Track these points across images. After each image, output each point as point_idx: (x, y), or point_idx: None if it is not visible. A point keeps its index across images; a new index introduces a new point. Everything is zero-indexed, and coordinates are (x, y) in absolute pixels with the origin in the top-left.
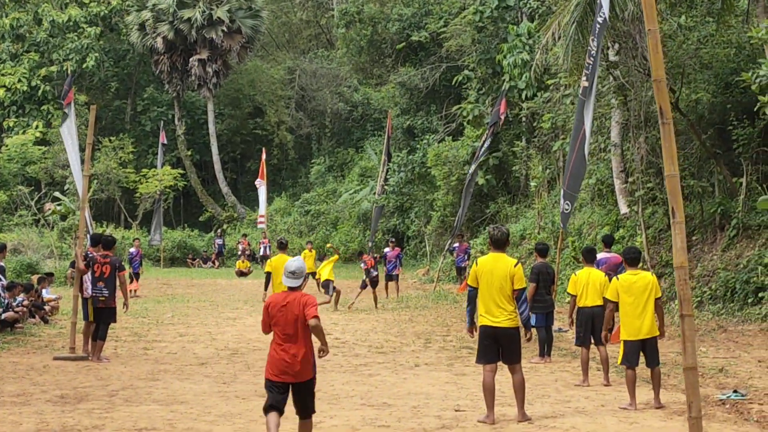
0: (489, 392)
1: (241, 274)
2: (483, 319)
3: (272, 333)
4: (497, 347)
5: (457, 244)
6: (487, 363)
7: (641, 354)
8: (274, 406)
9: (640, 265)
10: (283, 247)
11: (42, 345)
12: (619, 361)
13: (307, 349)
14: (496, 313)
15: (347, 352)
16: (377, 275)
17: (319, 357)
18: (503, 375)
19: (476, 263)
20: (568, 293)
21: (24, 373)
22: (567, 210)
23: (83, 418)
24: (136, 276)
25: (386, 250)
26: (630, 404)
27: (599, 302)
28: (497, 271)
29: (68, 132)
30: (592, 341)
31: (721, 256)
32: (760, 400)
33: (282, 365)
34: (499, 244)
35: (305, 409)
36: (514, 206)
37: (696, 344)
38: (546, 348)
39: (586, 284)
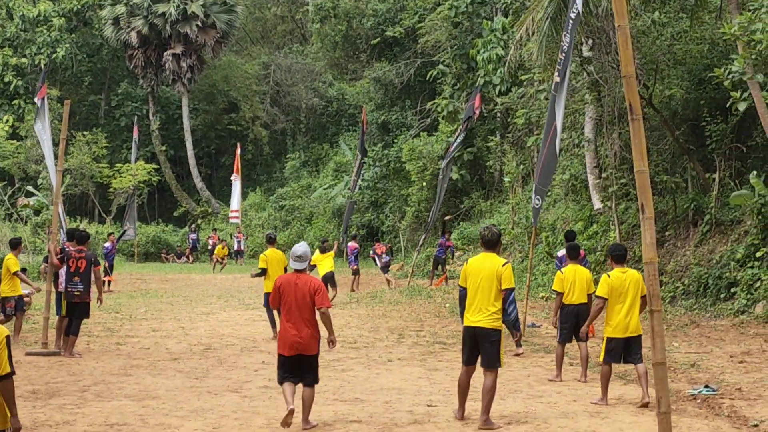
0: (462, 390)
1: (219, 262)
2: (466, 320)
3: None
4: (476, 348)
5: (443, 238)
6: (466, 364)
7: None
8: (288, 377)
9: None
10: (272, 241)
11: (14, 340)
12: (601, 358)
13: (312, 328)
14: (478, 313)
15: (321, 348)
16: (389, 260)
17: (330, 348)
18: (478, 372)
19: (466, 263)
20: (553, 290)
21: None
22: (537, 205)
23: (54, 414)
24: (110, 269)
25: (350, 243)
26: (601, 399)
27: (584, 300)
28: (485, 270)
29: (42, 126)
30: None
31: (694, 252)
32: (731, 395)
33: (292, 341)
34: (490, 244)
35: (310, 379)
36: (488, 201)
37: (668, 339)
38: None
39: (572, 282)
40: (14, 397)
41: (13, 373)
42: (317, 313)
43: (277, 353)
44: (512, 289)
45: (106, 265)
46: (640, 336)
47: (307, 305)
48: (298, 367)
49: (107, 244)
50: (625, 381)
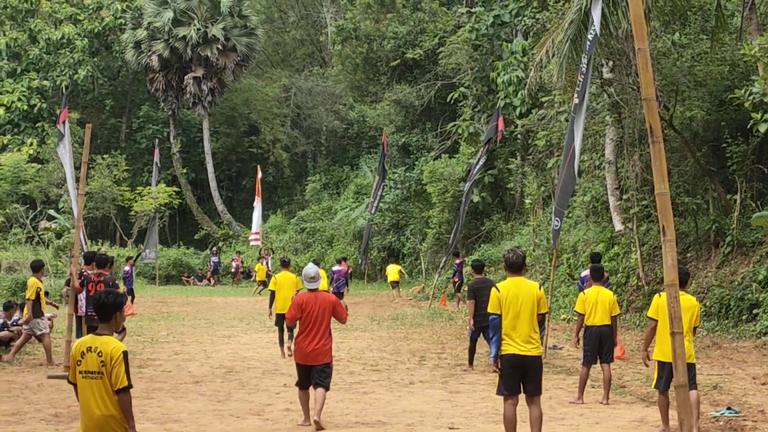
0: (512, 425)
1: (263, 284)
2: (510, 348)
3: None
4: (521, 378)
5: (458, 261)
6: (511, 395)
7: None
8: (304, 383)
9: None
10: (285, 265)
11: (36, 363)
12: (653, 385)
13: (326, 340)
14: (525, 342)
15: (342, 370)
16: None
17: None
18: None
19: (497, 290)
20: (576, 312)
21: (18, 392)
22: (557, 226)
23: None
24: (130, 293)
25: (336, 267)
26: (663, 430)
27: (607, 321)
28: (523, 296)
29: (63, 150)
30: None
31: (716, 273)
32: (753, 417)
33: (308, 351)
34: (516, 267)
35: (323, 383)
36: (509, 223)
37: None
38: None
39: (594, 303)
40: (131, 410)
41: (130, 386)
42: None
43: (296, 362)
44: (546, 314)
45: (125, 289)
46: (693, 364)
47: (325, 319)
48: (313, 374)
49: (126, 268)
50: (648, 403)
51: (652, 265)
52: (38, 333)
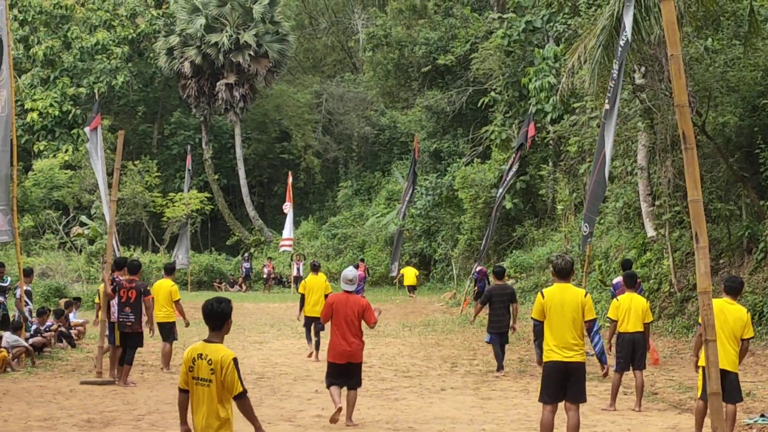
0: (549, 431)
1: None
2: (553, 354)
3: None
4: (563, 384)
5: (480, 268)
6: (552, 402)
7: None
8: (334, 383)
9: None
10: (316, 269)
11: (69, 369)
12: (698, 394)
13: (359, 339)
14: (569, 348)
15: (373, 377)
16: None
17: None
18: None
19: (542, 295)
20: (608, 318)
21: (51, 398)
22: (585, 232)
23: None
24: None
25: None
26: None
27: (640, 328)
28: (568, 303)
29: (95, 156)
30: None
31: (749, 280)
32: None
33: (342, 351)
34: (564, 273)
35: (354, 382)
36: (540, 230)
37: None
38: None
39: (627, 309)
40: (253, 413)
41: (245, 391)
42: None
43: (328, 361)
44: (595, 320)
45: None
46: (736, 374)
47: (356, 321)
48: (346, 373)
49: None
50: (680, 410)
51: (685, 271)
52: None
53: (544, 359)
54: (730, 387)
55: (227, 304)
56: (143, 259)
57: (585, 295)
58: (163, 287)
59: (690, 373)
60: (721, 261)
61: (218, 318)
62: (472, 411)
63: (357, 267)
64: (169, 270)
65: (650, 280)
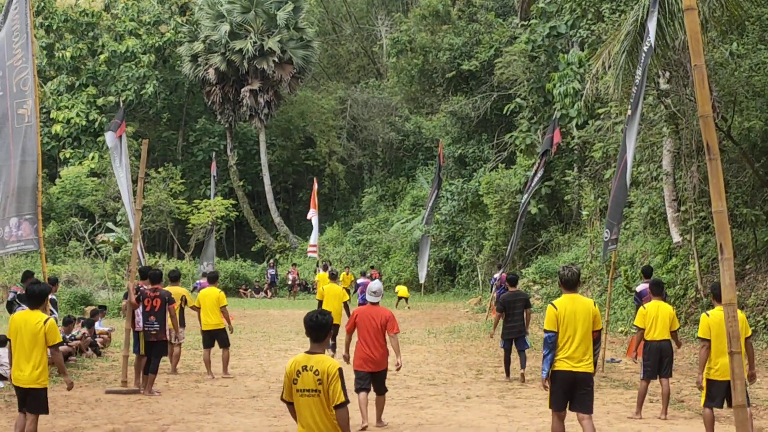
0: None
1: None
2: (562, 364)
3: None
4: (570, 394)
5: (497, 275)
6: (561, 410)
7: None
8: (363, 387)
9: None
10: (334, 278)
11: (94, 378)
12: (702, 402)
13: (384, 349)
14: (579, 359)
15: (398, 385)
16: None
17: (396, 370)
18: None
19: (554, 307)
20: (635, 326)
21: (76, 407)
22: (606, 238)
23: None
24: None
25: (360, 280)
26: None
27: (667, 336)
28: (580, 313)
29: (119, 164)
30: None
31: None
32: None
33: (367, 359)
34: (571, 284)
35: (381, 388)
36: (566, 235)
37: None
38: (521, 364)
39: (655, 317)
40: (348, 424)
41: (347, 401)
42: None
43: (354, 369)
44: (601, 330)
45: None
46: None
47: (380, 332)
48: (372, 380)
49: (201, 281)
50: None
51: (711, 277)
52: (178, 342)
53: (555, 368)
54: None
55: (329, 316)
56: (169, 266)
57: (594, 305)
58: (210, 295)
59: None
60: (747, 266)
61: (321, 330)
62: (497, 419)
63: (371, 276)
64: (213, 278)
65: (676, 286)
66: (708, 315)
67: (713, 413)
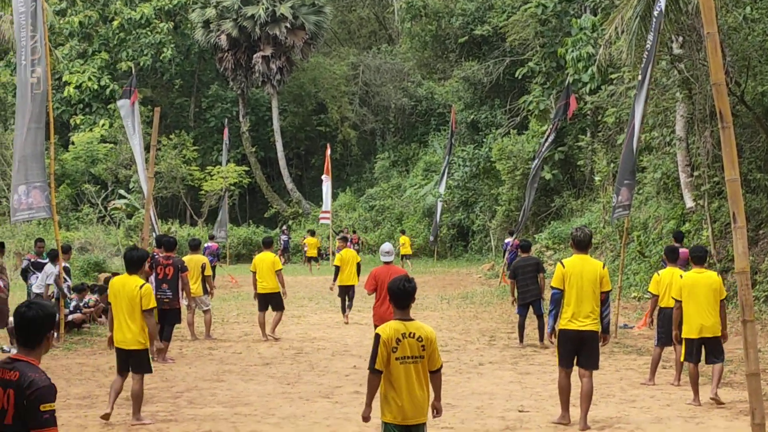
0: (565, 395)
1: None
2: (568, 323)
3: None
4: (577, 351)
5: (509, 240)
6: (567, 367)
7: (702, 351)
8: None
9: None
10: (346, 241)
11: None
12: (681, 358)
13: None
14: (585, 317)
15: None
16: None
17: None
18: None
19: (562, 265)
20: (649, 292)
21: (90, 375)
22: (614, 202)
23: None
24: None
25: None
26: (694, 400)
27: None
28: (587, 273)
29: (133, 131)
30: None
31: None
32: None
33: (385, 317)
34: (582, 245)
35: None
36: (579, 200)
37: (763, 341)
38: (539, 333)
39: (669, 284)
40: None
41: (442, 365)
42: None
43: (374, 324)
44: (610, 292)
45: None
46: (718, 337)
47: None
48: None
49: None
50: (720, 384)
51: (724, 242)
52: (204, 308)
53: (560, 326)
54: (715, 350)
55: (414, 283)
56: (182, 232)
57: (603, 267)
58: (265, 259)
59: (729, 345)
60: (760, 232)
61: (410, 297)
62: (510, 386)
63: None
64: (267, 243)
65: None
66: (681, 277)
67: (697, 370)
